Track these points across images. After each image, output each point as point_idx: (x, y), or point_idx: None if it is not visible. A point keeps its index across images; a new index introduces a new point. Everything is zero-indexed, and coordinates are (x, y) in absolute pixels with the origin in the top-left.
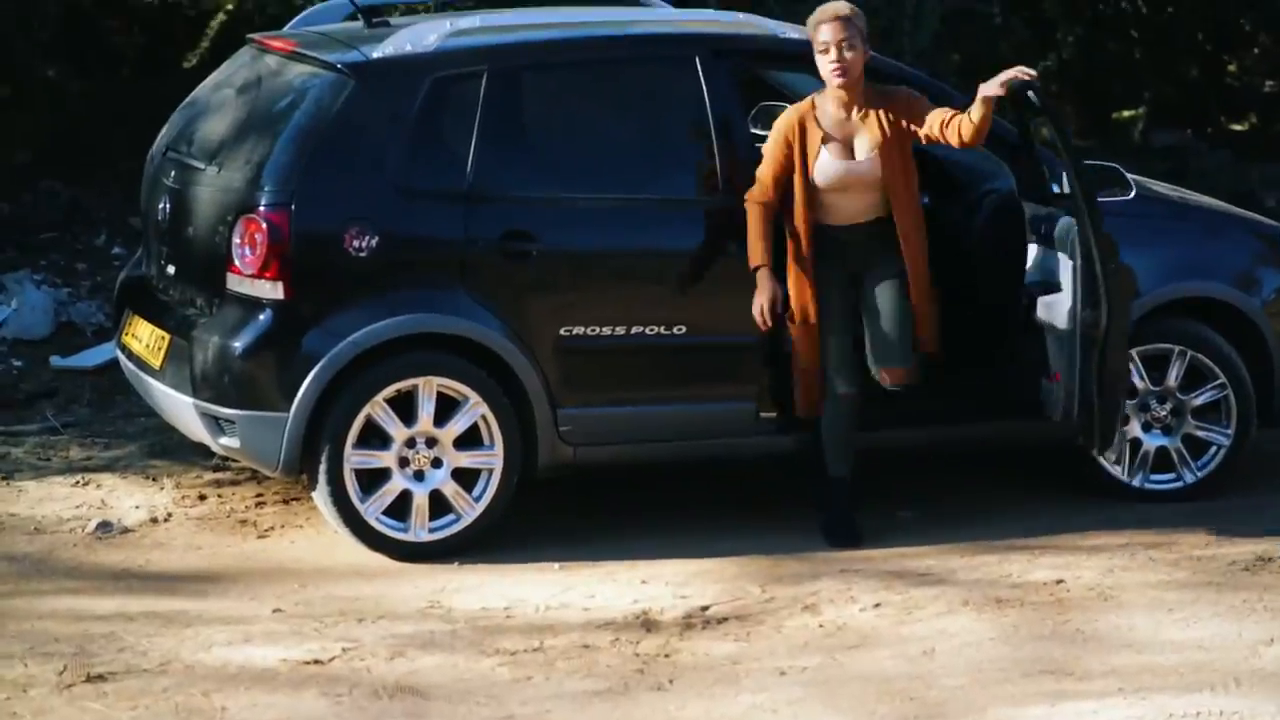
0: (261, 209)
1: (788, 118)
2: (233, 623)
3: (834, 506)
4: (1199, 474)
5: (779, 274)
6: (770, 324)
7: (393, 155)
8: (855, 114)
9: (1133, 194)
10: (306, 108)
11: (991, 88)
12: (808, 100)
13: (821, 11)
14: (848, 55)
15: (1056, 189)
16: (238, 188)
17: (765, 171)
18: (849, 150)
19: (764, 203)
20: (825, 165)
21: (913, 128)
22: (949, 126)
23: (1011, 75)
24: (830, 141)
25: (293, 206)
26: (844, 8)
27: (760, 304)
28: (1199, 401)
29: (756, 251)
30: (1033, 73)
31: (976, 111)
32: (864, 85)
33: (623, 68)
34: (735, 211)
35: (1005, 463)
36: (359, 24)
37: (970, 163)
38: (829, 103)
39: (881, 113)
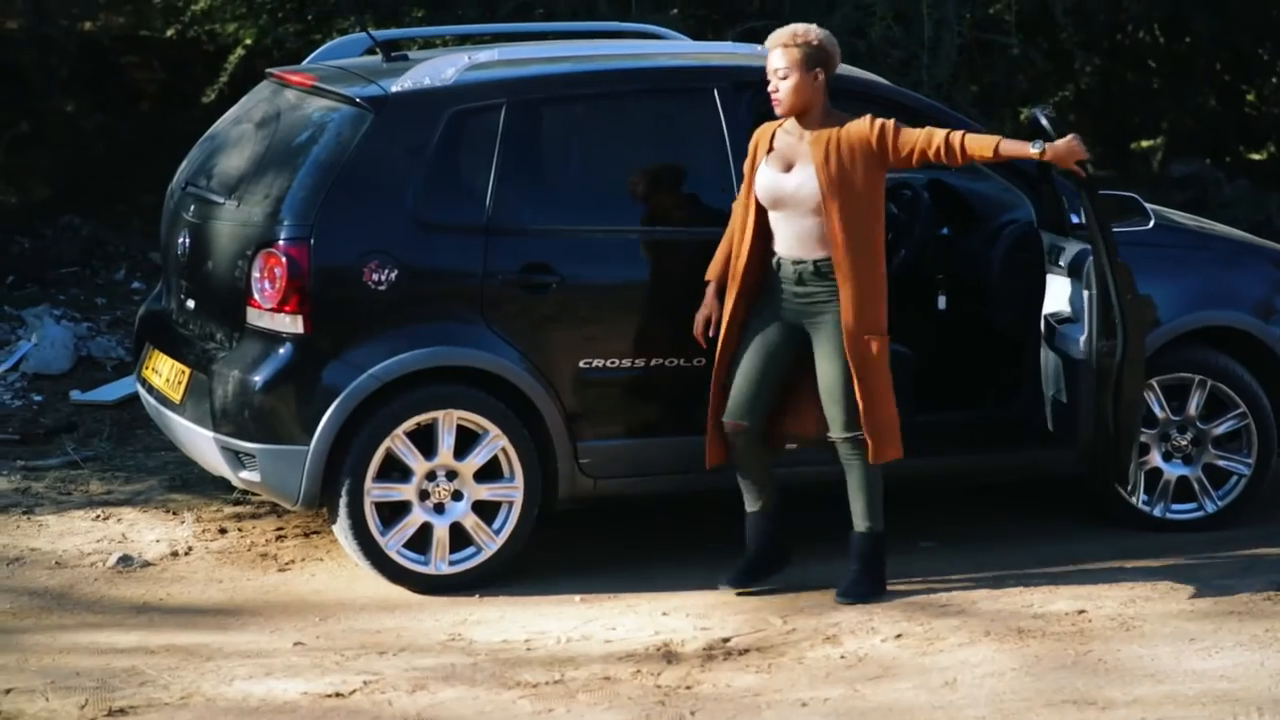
0: (281, 243)
1: (755, 134)
2: (254, 656)
3: (752, 541)
4: (1220, 503)
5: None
6: (704, 342)
7: (412, 188)
8: (806, 137)
9: (1151, 224)
10: (325, 142)
11: (1050, 154)
12: (779, 120)
13: (769, 37)
14: (781, 85)
15: (1075, 219)
16: (257, 222)
17: (743, 186)
18: (787, 168)
19: (732, 223)
20: (761, 178)
21: (879, 153)
22: (948, 146)
23: (1078, 157)
24: (772, 155)
25: (312, 240)
26: (784, 34)
27: (697, 317)
28: (1220, 431)
29: (713, 264)
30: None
31: (1008, 149)
32: (825, 111)
33: (641, 100)
34: None
35: (1026, 493)
36: (377, 58)
37: (990, 193)
38: (791, 123)
39: (831, 139)
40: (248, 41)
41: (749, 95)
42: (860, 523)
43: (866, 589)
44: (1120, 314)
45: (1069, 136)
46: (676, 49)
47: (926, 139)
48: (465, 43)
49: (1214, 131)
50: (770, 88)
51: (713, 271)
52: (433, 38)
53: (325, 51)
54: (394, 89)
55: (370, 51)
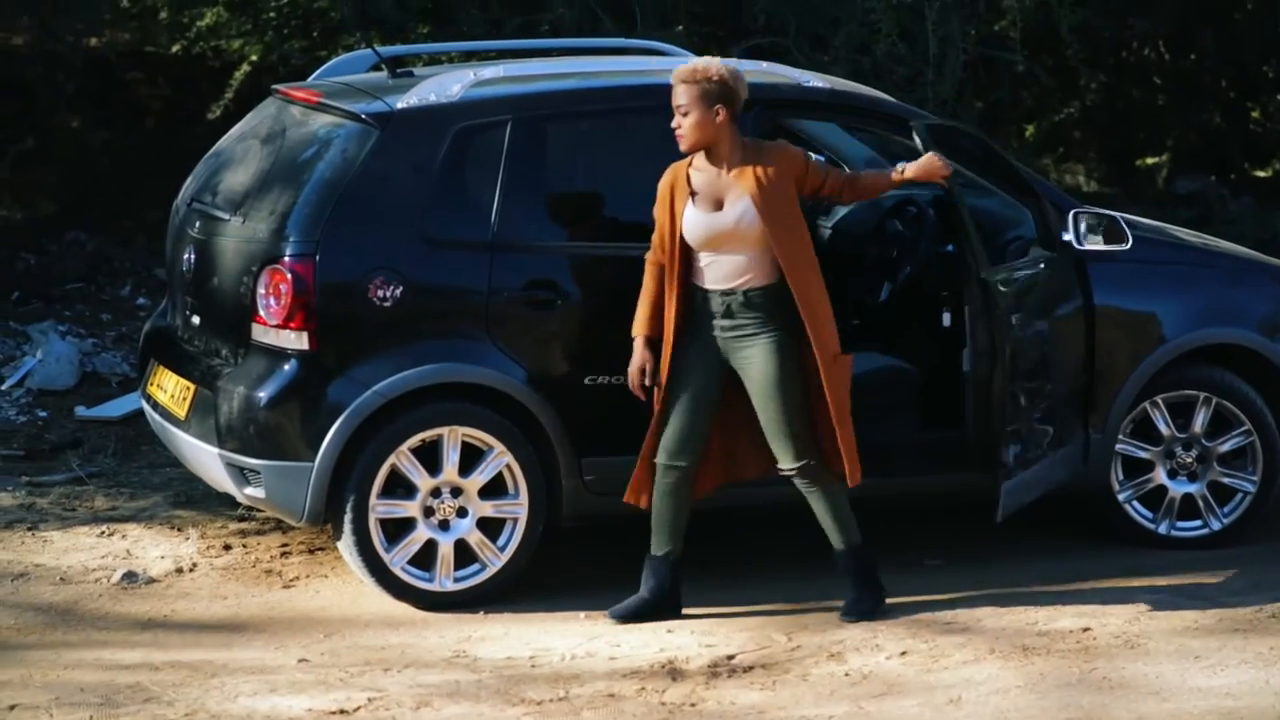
0: (286, 259)
1: (665, 176)
2: (258, 673)
3: (648, 582)
4: (1225, 521)
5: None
6: (643, 394)
7: (417, 205)
8: (726, 172)
9: (1129, 244)
10: (331, 158)
11: (911, 172)
12: (687, 159)
13: (673, 72)
14: (683, 121)
15: (1065, 236)
16: (262, 238)
17: (655, 234)
18: (718, 206)
19: (660, 264)
20: (691, 221)
21: (797, 182)
22: (845, 183)
23: (940, 174)
24: (697, 197)
25: (317, 257)
26: (685, 70)
27: (630, 371)
28: (1225, 448)
29: (639, 319)
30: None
31: (882, 181)
32: (737, 144)
33: (646, 117)
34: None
35: (1031, 511)
36: (383, 74)
37: (996, 210)
38: (702, 159)
39: (755, 168)
40: (253, 58)
41: (754, 113)
42: (838, 541)
43: (869, 605)
44: (989, 330)
45: (927, 154)
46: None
47: (835, 176)
48: (471, 59)
49: (1219, 148)
50: (673, 123)
51: (642, 327)
52: (438, 54)
53: (331, 68)
54: (399, 105)
55: (376, 68)
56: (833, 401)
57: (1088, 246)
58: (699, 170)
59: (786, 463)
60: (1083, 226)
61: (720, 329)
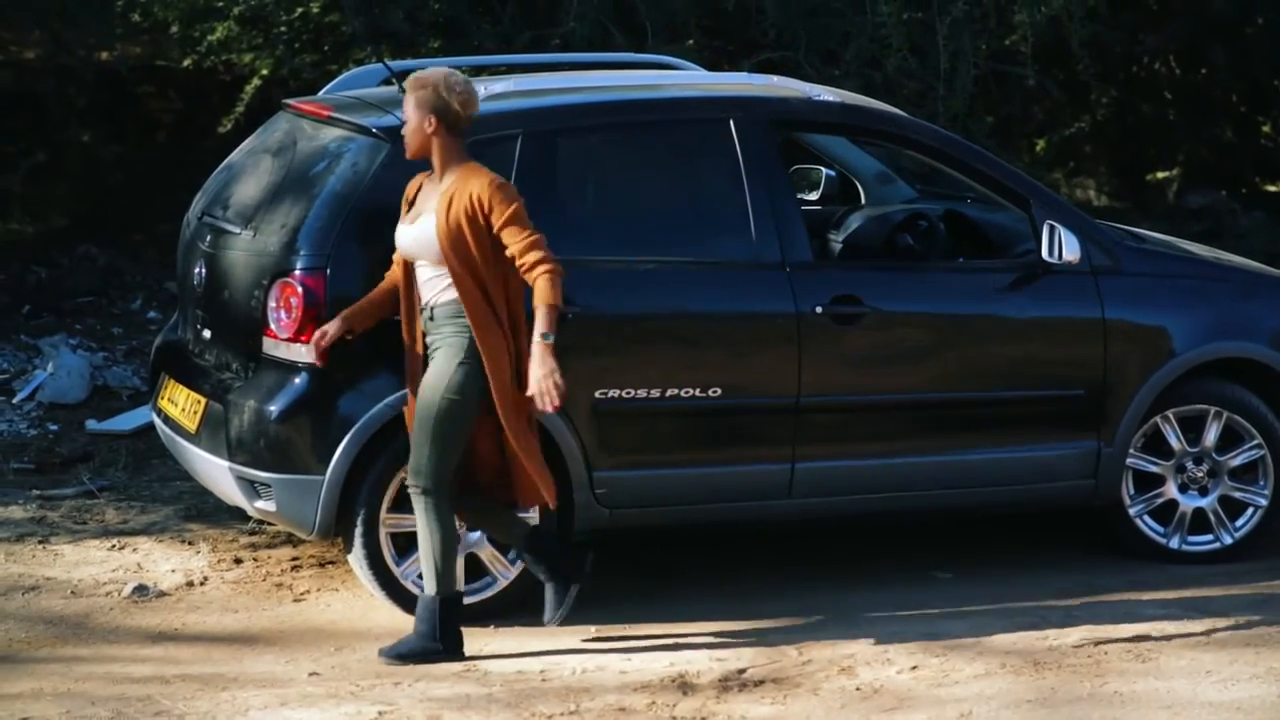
0: (297, 272)
1: (409, 184)
2: (269, 685)
3: (535, 567)
4: (1236, 535)
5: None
6: (323, 360)
7: None
8: (438, 186)
9: (1061, 259)
10: (342, 171)
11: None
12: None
13: None
14: (405, 128)
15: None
16: (273, 252)
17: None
18: (415, 218)
19: (389, 274)
20: (397, 230)
21: (485, 220)
22: (522, 265)
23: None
24: (409, 208)
25: (328, 270)
26: (411, 78)
27: (316, 334)
28: (1236, 462)
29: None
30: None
31: (538, 317)
32: (454, 160)
33: (657, 131)
34: (770, 273)
35: (1041, 525)
36: (394, 88)
37: (1006, 224)
38: (436, 173)
39: (455, 190)
40: (264, 72)
41: (764, 126)
42: (430, 585)
43: (409, 647)
44: None
45: (551, 371)
46: (692, 80)
47: (524, 245)
48: (481, 73)
49: (1230, 163)
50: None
51: (349, 309)
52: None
53: (341, 82)
54: None
55: (386, 82)
56: (510, 430)
57: (1053, 259)
58: (429, 181)
59: (409, 475)
60: (1054, 238)
61: (426, 342)
